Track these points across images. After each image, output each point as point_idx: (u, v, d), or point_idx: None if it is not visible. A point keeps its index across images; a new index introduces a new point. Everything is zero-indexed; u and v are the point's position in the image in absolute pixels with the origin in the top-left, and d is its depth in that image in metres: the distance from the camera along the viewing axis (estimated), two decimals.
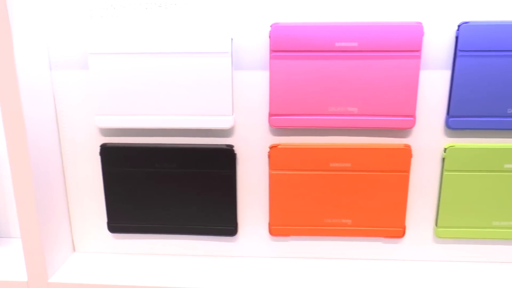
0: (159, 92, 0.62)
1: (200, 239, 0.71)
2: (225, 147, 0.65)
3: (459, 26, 0.60)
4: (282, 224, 0.68)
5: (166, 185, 0.67)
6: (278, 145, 0.64)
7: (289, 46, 0.60)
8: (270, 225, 0.68)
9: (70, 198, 0.71)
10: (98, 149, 0.66)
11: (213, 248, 0.72)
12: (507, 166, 0.65)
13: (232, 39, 0.61)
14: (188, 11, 0.61)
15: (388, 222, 0.67)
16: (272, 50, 0.60)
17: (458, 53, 0.61)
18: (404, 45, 0.60)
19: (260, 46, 0.62)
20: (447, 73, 0.63)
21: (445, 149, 0.65)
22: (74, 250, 0.74)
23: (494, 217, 0.67)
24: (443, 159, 0.65)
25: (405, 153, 0.64)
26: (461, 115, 0.63)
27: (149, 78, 0.62)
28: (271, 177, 0.65)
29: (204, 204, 0.67)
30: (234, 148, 0.65)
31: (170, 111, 0.63)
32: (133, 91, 0.62)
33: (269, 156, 0.65)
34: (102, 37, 0.62)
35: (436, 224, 0.68)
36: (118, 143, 0.66)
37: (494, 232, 0.68)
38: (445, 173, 0.65)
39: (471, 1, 0.60)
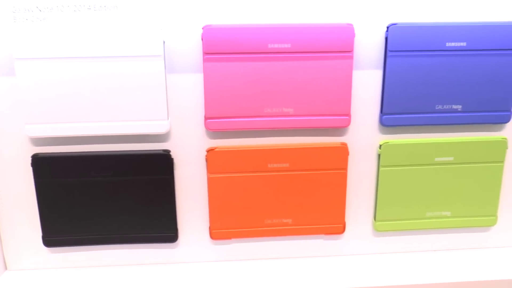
0: (91, 98, 0.60)
1: (140, 247, 0.70)
2: (161, 152, 0.64)
3: (388, 27, 0.62)
4: (223, 228, 0.67)
5: (103, 194, 0.64)
6: (215, 148, 0.64)
7: (222, 49, 0.59)
8: (210, 229, 0.68)
9: (0, 213, 0.67)
10: (29, 160, 0.63)
11: (154, 256, 0.70)
12: (438, 159, 0.68)
13: (164, 42, 0.60)
14: (118, 13, 0.59)
15: (328, 219, 0.69)
16: (205, 53, 0.59)
17: (388, 53, 0.63)
18: (336, 46, 0.61)
19: (193, 48, 0.61)
20: (379, 73, 0.65)
21: (380, 145, 0.67)
22: (6, 268, 0.70)
23: (427, 208, 0.70)
24: (379, 155, 0.67)
25: (342, 151, 0.66)
26: (394, 113, 0.65)
27: (80, 84, 0.59)
28: (210, 180, 0.65)
29: (143, 212, 0.66)
30: (171, 153, 0.64)
31: (103, 117, 0.61)
32: (64, 98, 0.60)
33: (206, 160, 0.64)
34: (28, 41, 0.59)
35: (375, 218, 0.70)
36: (50, 153, 0.64)
37: (428, 222, 0.71)
38: (381, 168, 0.68)
39: (399, 3, 0.62)
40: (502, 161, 0.69)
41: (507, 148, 0.69)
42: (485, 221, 0.72)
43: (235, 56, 0.60)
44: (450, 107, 0.65)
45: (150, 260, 0.70)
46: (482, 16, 0.64)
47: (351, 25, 0.61)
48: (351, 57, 0.61)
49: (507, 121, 0.67)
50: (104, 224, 0.66)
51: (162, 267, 0.70)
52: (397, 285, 0.67)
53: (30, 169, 0.63)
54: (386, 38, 0.62)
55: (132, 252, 0.70)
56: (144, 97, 0.60)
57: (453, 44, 0.63)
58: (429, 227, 0.71)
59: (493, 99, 0.66)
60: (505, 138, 0.68)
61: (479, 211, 0.71)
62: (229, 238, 0.69)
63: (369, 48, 0.63)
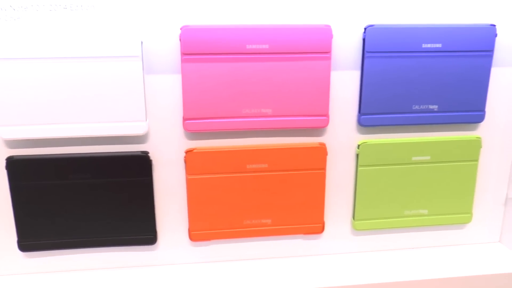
0: (68, 99, 0.59)
1: (119, 250, 0.69)
2: (140, 154, 0.63)
3: (365, 29, 0.63)
4: (202, 229, 0.67)
5: (81, 196, 0.63)
6: (194, 149, 0.64)
7: (200, 49, 0.59)
8: (190, 230, 0.67)
9: None
10: (3, 163, 0.62)
11: (133, 259, 0.69)
12: (415, 158, 0.69)
13: (142, 42, 0.59)
14: (95, 13, 0.58)
15: (307, 219, 0.69)
16: (183, 53, 0.59)
17: (366, 54, 0.63)
18: (314, 47, 0.61)
19: (171, 49, 0.61)
20: (357, 73, 0.65)
21: (358, 145, 0.68)
22: None
23: (405, 206, 0.71)
24: (357, 155, 0.68)
25: (320, 151, 0.66)
26: (372, 113, 0.66)
27: (56, 85, 0.58)
28: (188, 182, 0.65)
29: (122, 214, 0.65)
30: (150, 155, 0.64)
31: (81, 119, 0.60)
32: (40, 99, 0.59)
33: (185, 161, 0.64)
34: (2, 41, 0.58)
35: (353, 217, 0.71)
36: (26, 155, 0.62)
37: (406, 220, 0.72)
38: (359, 168, 0.68)
39: (376, 5, 0.63)
40: (477, 160, 0.71)
41: (481, 147, 0.70)
42: (461, 218, 0.73)
43: (213, 56, 0.60)
44: (426, 107, 0.67)
45: (129, 263, 0.70)
46: (457, 19, 0.65)
47: (329, 26, 0.61)
48: (329, 58, 0.62)
49: (481, 120, 0.69)
50: (81, 227, 0.65)
51: (142, 269, 0.69)
52: (376, 283, 0.67)
53: (5, 172, 0.62)
54: (364, 39, 0.63)
55: (111, 255, 0.69)
56: (122, 98, 0.60)
57: (429, 45, 0.64)
58: (407, 225, 0.72)
59: (468, 99, 0.67)
60: (479, 137, 0.70)
61: (455, 209, 0.73)
62: (209, 239, 0.68)
63: (346, 49, 0.64)
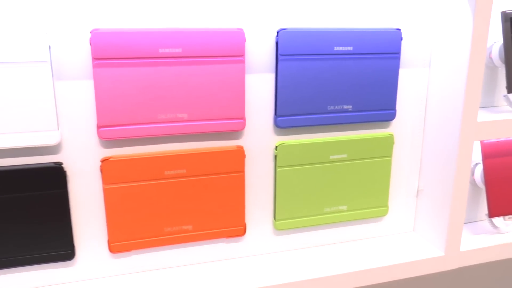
0: None
1: (35, 269, 0.64)
2: (53, 165, 0.60)
3: (278, 32, 0.64)
4: (122, 240, 0.65)
5: None
6: (110, 157, 0.62)
7: (112, 54, 0.58)
8: (109, 242, 0.65)
9: None
10: None
11: (51, 277, 0.65)
12: (332, 157, 0.71)
13: (50, 47, 0.57)
14: None
15: (228, 223, 0.69)
16: (94, 58, 0.57)
17: (279, 57, 0.65)
18: (227, 50, 0.62)
19: (81, 54, 0.59)
20: (271, 76, 0.67)
21: (276, 147, 0.69)
22: None
23: (325, 204, 0.73)
24: (275, 156, 0.69)
25: (239, 154, 0.67)
26: (288, 114, 0.67)
27: None
28: (105, 192, 0.63)
29: (35, 230, 0.61)
30: (64, 165, 0.61)
31: None
32: None
33: (101, 170, 0.62)
34: None
35: (274, 218, 0.72)
36: None
37: (326, 217, 0.74)
38: (278, 169, 0.69)
39: (288, 9, 0.65)
40: (390, 156, 0.74)
41: (393, 143, 0.74)
42: (378, 212, 0.77)
43: (125, 61, 0.58)
44: (341, 107, 0.69)
45: (46, 282, 0.65)
46: (366, 23, 0.69)
47: (242, 30, 0.62)
48: (243, 61, 0.63)
49: (392, 118, 0.73)
50: None
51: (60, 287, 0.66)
52: (300, 280, 0.69)
53: None
54: (277, 43, 0.64)
55: (25, 276, 0.64)
56: (31, 107, 0.57)
57: (340, 48, 0.66)
58: (327, 222, 0.74)
59: (379, 99, 0.71)
60: (392, 134, 0.74)
61: (372, 203, 0.76)
62: (129, 250, 0.66)
63: (260, 52, 0.65)
